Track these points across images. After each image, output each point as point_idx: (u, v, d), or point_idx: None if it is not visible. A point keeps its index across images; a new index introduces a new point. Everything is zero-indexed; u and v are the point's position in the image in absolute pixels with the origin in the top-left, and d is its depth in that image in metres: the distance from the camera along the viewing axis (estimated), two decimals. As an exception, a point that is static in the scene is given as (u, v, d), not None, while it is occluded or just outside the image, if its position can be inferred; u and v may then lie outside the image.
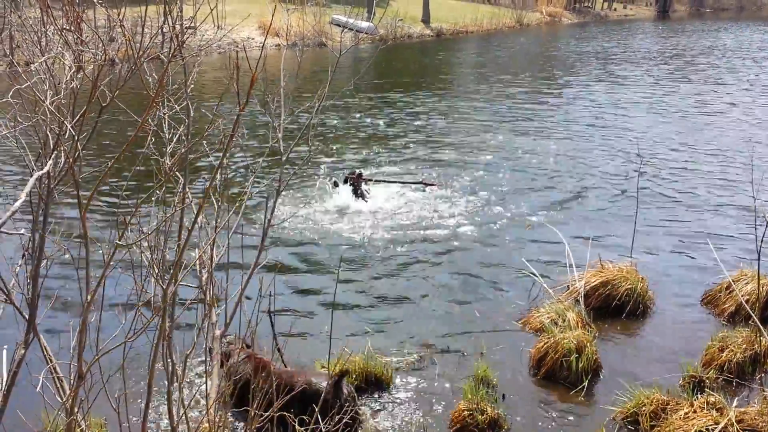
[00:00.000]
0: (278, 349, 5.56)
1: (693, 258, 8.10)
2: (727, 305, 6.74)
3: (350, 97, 17.43)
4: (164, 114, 3.44)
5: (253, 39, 28.11)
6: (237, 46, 24.81)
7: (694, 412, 4.93)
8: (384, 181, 10.44)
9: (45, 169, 2.44)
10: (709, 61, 25.15)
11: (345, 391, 4.65)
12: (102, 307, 3.16)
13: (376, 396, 5.46)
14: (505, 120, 15.88)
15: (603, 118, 15.94)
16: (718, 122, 15.24)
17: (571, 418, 5.26)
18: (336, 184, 9.88)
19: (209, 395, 4.31)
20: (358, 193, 9.68)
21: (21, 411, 4.34)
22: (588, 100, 18.06)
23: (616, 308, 6.68)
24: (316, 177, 10.82)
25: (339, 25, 29.30)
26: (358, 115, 15.06)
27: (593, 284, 6.80)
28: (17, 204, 2.15)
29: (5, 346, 3.16)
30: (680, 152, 12.81)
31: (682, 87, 19.95)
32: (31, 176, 2.43)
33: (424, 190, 10.30)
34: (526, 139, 13.94)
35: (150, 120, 3.12)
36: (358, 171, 10.15)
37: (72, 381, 3.10)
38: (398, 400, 5.43)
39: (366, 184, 9.93)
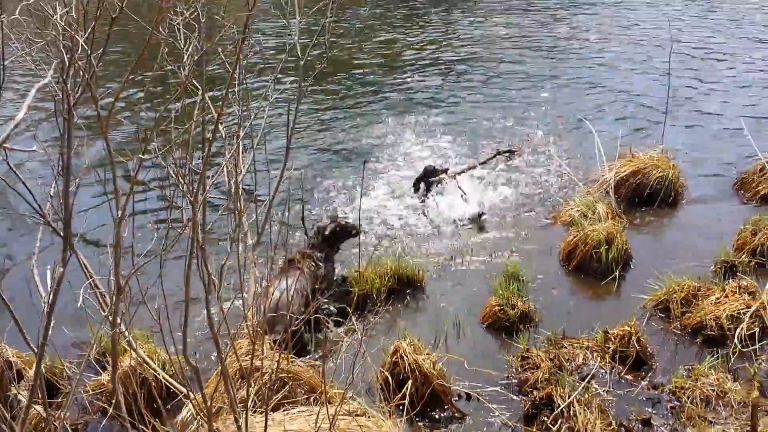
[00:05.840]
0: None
1: (726, 143, 7.90)
2: (760, 188, 6.62)
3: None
4: (176, 23, 3.33)
5: (261, -60, 27.04)
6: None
7: (726, 296, 4.93)
8: (466, 170, 7.46)
9: (45, 80, 2.40)
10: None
11: None
12: (134, 222, 3.19)
13: (409, 296, 5.56)
14: (538, 20, 15.30)
15: (633, 8, 15.31)
16: (751, 6, 14.58)
17: (601, 307, 5.32)
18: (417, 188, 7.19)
19: (246, 302, 4.42)
20: (429, 189, 7.12)
21: (65, 327, 4.51)
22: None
23: (647, 197, 6.61)
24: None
25: None
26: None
27: (623, 174, 6.70)
28: (20, 116, 2.13)
29: (48, 266, 3.22)
30: (712, 38, 12.29)
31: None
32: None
33: (510, 159, 7.88)
34: (558, 33, 13.45)
35: (161, 29, 3.02)
36: (440, 167, 7.25)
37: (112, 295, 3.18)
38: (430, 300, 5.52)
39: (449, 179, 7.14)
